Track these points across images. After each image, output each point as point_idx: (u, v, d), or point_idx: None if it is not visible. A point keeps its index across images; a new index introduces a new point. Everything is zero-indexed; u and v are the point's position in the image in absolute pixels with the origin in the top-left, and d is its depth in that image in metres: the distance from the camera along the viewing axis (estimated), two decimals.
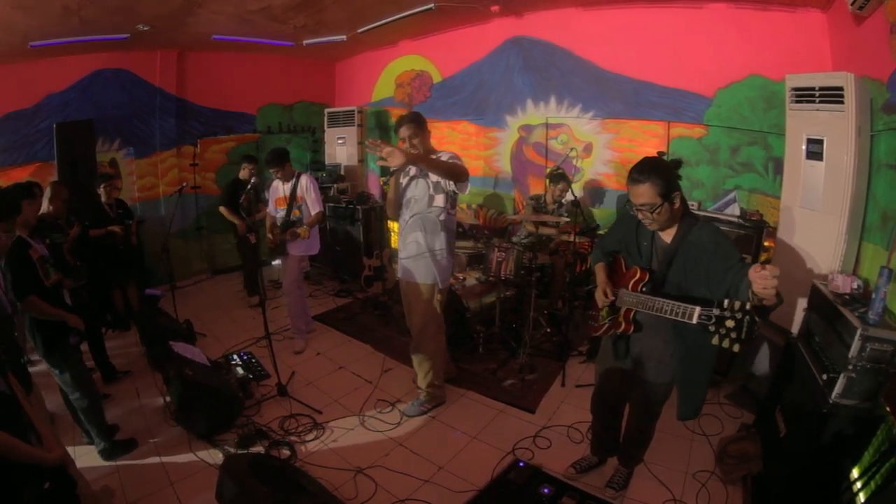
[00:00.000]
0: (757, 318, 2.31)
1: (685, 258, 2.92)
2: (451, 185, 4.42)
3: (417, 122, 4.45)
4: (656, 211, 2.84)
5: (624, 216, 3.42)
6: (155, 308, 6.52)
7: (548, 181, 7.08)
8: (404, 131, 4.42)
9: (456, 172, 4.30)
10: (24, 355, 4.99)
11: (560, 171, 6.88)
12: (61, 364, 4.05)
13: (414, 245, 4.60)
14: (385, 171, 7.13)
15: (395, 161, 3.84)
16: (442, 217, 4.54)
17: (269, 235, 6.08)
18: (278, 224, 6.09)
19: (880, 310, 3.11)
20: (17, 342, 3.79)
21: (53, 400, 4.58)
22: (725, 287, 2.60)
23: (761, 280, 2.23)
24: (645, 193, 2.82)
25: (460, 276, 6.27)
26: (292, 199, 5.99)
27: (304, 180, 6.08)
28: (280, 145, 7.26)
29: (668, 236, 3.04)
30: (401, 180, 4.61)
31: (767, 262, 5.07)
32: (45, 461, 2.46)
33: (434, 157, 4.36)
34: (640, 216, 2.96)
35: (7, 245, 3.84)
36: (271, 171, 6.01)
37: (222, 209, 7.62)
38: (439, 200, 4.51)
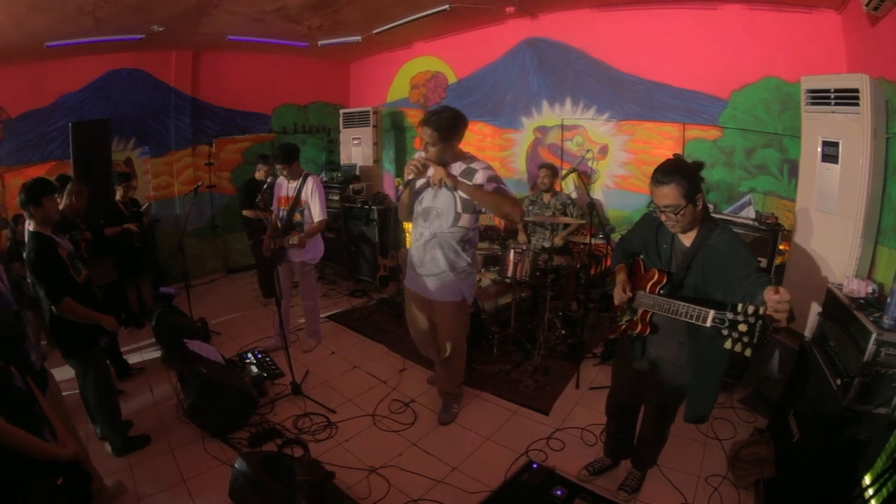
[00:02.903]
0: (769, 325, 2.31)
1: (704, 262, 2.92)
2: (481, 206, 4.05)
3: (443, 132, 3.87)
4: (680, 212, 2.83)
5: (644, 218, 3.42)
6: (170, 306, 6.56)
7: (561, 181, 7.12)
8: (426, 135, 3.92)
9: (505, 211, 3.89)
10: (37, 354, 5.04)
11: (552, 164, 6.97)
12: (85, 365, 4.06)
13: (435, 265, 4.27)
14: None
15: (435, 179, 3.80)
16: (467, 237, 4.23)
17: (266, 239, 5.82)
18: (278, 225, 5.83)
19: (895, 314, 3.10)
20: (27, 337, 3.74)
21: (69, 394, 4.61)
22: (741, 294, 2.59)
23: (773, 304, 2.23)
24: (669, 195, 2.81)
25: (476, 277, 6.26)
26: (296, 202, 5.78)
27: (311, 183, 5.79)
28: (291, 142, 7.23)
29: (687, 239, 3.03)
30: (417, 186, 4.26)
31: (782, 265, 5.09)
32: (59, 457, 2.48)
33: (467, 174, 3.96)
34: (662, 218, 2.95)
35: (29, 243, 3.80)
36: (277, 167, 5.81)
37: (246, 213, 7.59)
38: (466, 221, 4.13)
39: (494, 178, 3.95)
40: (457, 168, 4.00)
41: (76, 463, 2.63)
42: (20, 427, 2.30)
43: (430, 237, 4.21)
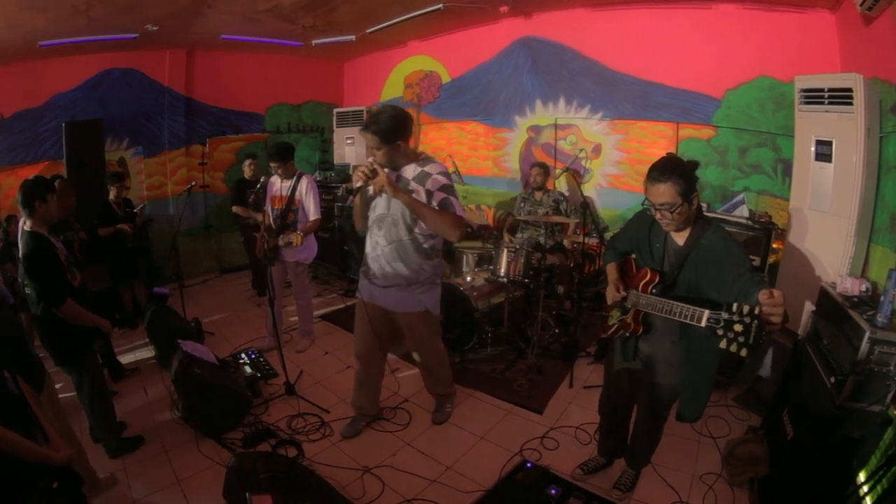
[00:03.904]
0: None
1: (697, 262, 2.91)
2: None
3: (383, 135, 3.61)
4: (676, 210, 2.82)
5: (637, 216, 3.41)
6: (163, 306, 6.54)
7: (555, 181, 7.14)
8: (368, 140, 3.69)
9: (443, 230, 3.69)
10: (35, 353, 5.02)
11: (544, 162, 6.97)
12: (79, 368, 4.01)
13: (395, 276, 4.00)
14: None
15: (377, 186, 3.56)
16: (428, 244, 3.97)
17: (258, 238, 5.77)
18: (273, 225, 5.75)
19: (889, 312, 3.11)
20: (26, 336, 3.70)
21: (63, 394, 4.60)
22: (734, 294, 2.58)
23: (767, 308, 2.23)
24: (666, 192, 2.80)
25: (469, 276, 6.26)
26: (290, 201, 5.70)
27: (305, 182, 5.74)
28: (286, 141, 7.19)
29: (680, 238, 3.02)
30: (370, 193, 3.97)
31: (776, 264, 5.09)
32: (52, 461, 2.46)
33: (421, 178, 3.75)
34: (657, 216, 2.93)
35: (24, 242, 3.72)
36: (272, 165, 5.70)
37: (236, 209, 7.56)
38: (423, 227, 3.85)
39: (445, 188, 3.72)
40: (410, 171, 3.80)
41: (69, 467, 2.63)
42: (14, 431, 2.29)
43: (387, 246, 3.95)
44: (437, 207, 3.68)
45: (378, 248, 4.01)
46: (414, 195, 3.67)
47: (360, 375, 4.57)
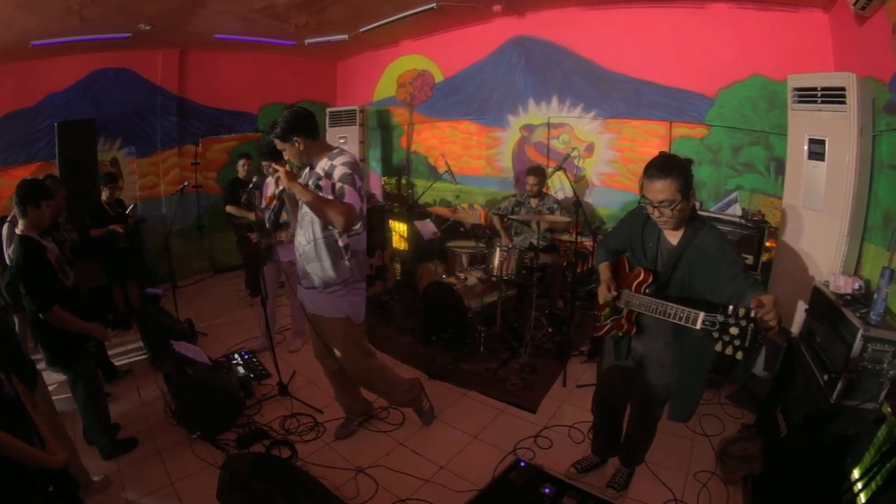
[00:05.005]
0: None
1: (690, 261, 2.90)
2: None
3: (281, 135, 3.65)
4: (676, 207, 2.79)
5: (630, 215, 3.39)
6: (156, 307, 6.52)
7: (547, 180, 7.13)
8: (276, 142, 3.74)
9: (327, 219, 3.58)
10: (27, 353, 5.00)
11: (540, 167, 6.94)
12: (73, 371, 4.00)
13: (314, 277, 3.93)
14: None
15: (282, 183, 3.53)
16: (343, 242, 3.83)
17: (252, 237, 5.70)
18: (266, 225, 5.74)
19: (882, 310, 3.12)
20: (17, 337, 3.68)
21: (56, 396, 4.58)
22: (728, 295, 2.59)
23: (762, 316, 2.24)
24: (666, 189, 2.77)
25: (462, 275, 6.26)
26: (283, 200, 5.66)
27: None
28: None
29: (674, 238, 3.01)
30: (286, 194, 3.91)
31: (769, 262, 5.10)
32: (48, 464, 2.45)
33: (330, 171, 3.67)
34: (656, 214, 2.89)
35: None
36: (264, 164, 5.61)
37: (230, 208, 7.52)
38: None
39: (344, 177, 3.61)
40: (321, 165, 3.75)
41: (66, 470, 2.61)
42: (9, 433, 2.27)
43: (306, 245, 3.89)
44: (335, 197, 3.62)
45: (300, 247, 3.96)
46: (323, 190, 3.67)
47: (326, 373, 4.54)
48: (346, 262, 3.88)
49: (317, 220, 3.74)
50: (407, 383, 4.63)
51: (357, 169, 3.74)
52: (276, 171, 3.54)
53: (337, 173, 3.64)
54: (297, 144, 3.68)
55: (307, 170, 3.82)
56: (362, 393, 4.70)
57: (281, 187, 3.65)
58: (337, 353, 4.15)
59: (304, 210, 3.82)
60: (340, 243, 3.82)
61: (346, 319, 4.02)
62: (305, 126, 3.70)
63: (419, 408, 4.73)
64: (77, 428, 4.41)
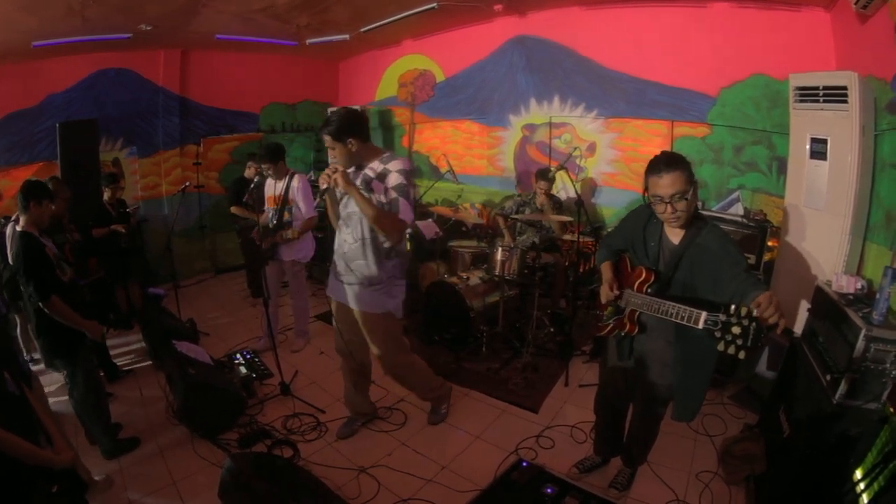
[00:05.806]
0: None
1: (692, 261, 2.89)
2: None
3: (335, 134, 3.64)
4: (688, 196, 2.78)
5: (631, 215, 3.39)
6: (158, 307, 6.52)
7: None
8: (324, 139, 3.74)
9: (382, 229, 3.70)
10: (26, 354, 5.00)
11: (548, 170, 6.90)
12: (73, 365, 4.02)
13: (357, 274, 3.95)
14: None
15: (339, 186, 3.52)
16: (388, 244, 3.89)
17: (255, 237, 5.73)
18: (269, 225, 5.78)
19: (884, 310, 3.12)
20: (14, 341, 3.70)
21: (56, 396, 4.58)
22: (730, 294, 2.58)
23: (764, 317, 2.23)
24: (677, 181, 2.75)
25: (464, 275, 6.25)
26: (284, 201, 5.75)
27: (297, 181, 5.76)
28: (275, 141, 7.10)
29: (675, 237, 3.00)
30: (338, 193, 3.98)
31: (771, 262, 5.10)
32: (55, 464, 2.45)
33: (383, 176, 3.71)
34: (668, 210, 2.83)
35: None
36: (263, 166, 5.73)
37: (234, 209, 7.53)
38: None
39: (399, 188, 3.69)
40: (373, 168, 3.78)
41: (72, 470, 2.61)
42: (15, 433, 2.27)
43: (353, 243, 3.91)
44: (388, 206, 3.69)
45: (345, 245, 3.99)
46: (375, 193, 3.69)
47: (344, 370, 4.54)
48: (390, 262, 3.95)
49: (365, 220, 3.76)
50: (439, 381, 4.75)
51: (411, 177, 3.83)
52: (329, 173, 3.52)
53: (392, 180, 3.69)
54: (350, 146, 3.68)
55: (352, 169, 3.80)
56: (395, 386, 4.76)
57: (325, 186, 3.59)
58: (374, 349, 4.20)
59: (352, 209, 3.86)
60: (386, 244, 3.87)
61: (387, 314, 4.06)
62: (360, 128, 3.73)
63: (438, 408, 4.79)
64: (79, 428, 4.40)
